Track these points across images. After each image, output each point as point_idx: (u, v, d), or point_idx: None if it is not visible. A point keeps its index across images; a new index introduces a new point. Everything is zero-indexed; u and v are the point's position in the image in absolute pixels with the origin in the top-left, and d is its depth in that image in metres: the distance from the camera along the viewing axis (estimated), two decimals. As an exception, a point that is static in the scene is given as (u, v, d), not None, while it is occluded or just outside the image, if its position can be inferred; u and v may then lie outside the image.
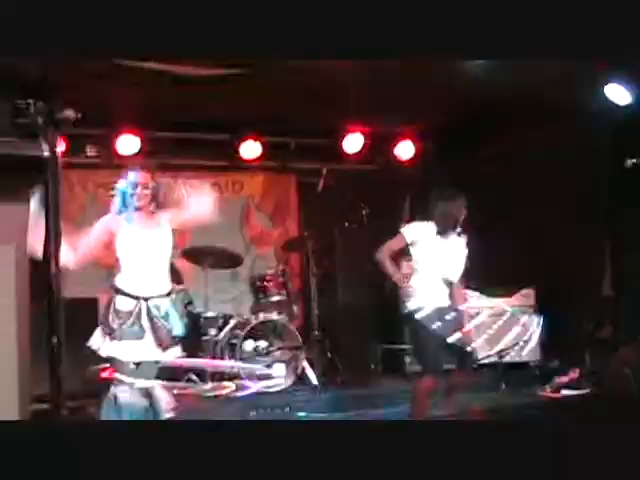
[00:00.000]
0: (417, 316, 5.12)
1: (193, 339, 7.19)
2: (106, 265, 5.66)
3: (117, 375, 4.38)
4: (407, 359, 7.74)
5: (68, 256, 4.12)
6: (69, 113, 2.26)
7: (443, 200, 5.27)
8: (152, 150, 7.87)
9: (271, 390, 7.13)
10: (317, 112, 7.40)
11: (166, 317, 4.52)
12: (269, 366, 7.29)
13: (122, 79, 6.12)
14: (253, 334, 7.32)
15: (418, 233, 5.23)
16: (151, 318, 4.46)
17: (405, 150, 8.84)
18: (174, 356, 4.61)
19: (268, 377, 7.25)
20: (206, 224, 4.61)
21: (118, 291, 4.48)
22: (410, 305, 5.17)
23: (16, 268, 2.32)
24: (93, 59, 4.06)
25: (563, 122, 7.06)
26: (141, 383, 4.39)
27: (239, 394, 5.73)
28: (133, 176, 4.54)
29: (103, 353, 4.45)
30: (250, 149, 8.37)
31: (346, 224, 8.38)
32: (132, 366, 4.38)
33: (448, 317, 5.16)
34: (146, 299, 4.48)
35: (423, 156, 8.86)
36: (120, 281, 4.52)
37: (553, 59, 3.40)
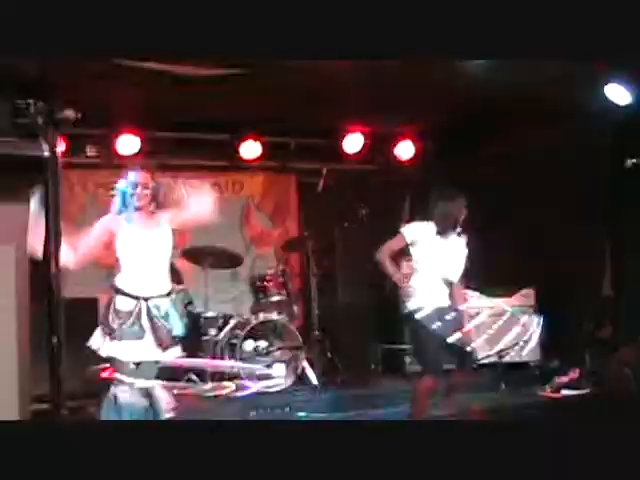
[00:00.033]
0: (417, 316, 5.12)
1: (193, 339, 7.19)
2: (106, 265, 5.66)
3: (117, 375, 4.38)
4: (407, 359, 7.74)
5: (68, 256, 4.12)
6: (69, 113, 2.26)
7: (443, 200, 5.27)
8: (152, 150, 7.87)
9: (271, 390, 7.13)
10: (317, 112, 7.40)
11: (166, 317, 4.52)
12: (269, 366, 7.29)
13: (122, 79, 6.11)
14: (253, 334, 7.32)
15: (418, 233, 5.23)
16: (151, 318, 4.45)
17: (405, 150, 8.84)
18: (174, 356, 4.61)
19: (268, 377, 7.26)
20: (206, 224, 4.61)
21: (118, 291, 4.48)
22: (410, 305, 5.17)
23: (16, 268, 2.32)
24: (93, 59, 4.06)
25: (563, 122, 7.05)
26: (141, 383, 4.39)
27: (239, 394, 5.73)
28: (133, 176, 4.54)
29: (103, 353, 4.45)
30: (250, 149, 8.37)
31: (346, 224, 8.38)
32: (132, 366, 4.38)
33: (448, 317, 5.15)
34: (146, 299, 4.48)
35: (423, 156, 8.86)
36: (120, 281, 4.51)
37: (553, 59, 3.40)
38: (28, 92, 2.29)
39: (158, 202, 4.64)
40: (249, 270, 8.50)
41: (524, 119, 7.25)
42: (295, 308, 7.85)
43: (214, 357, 7.30)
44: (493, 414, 5.77)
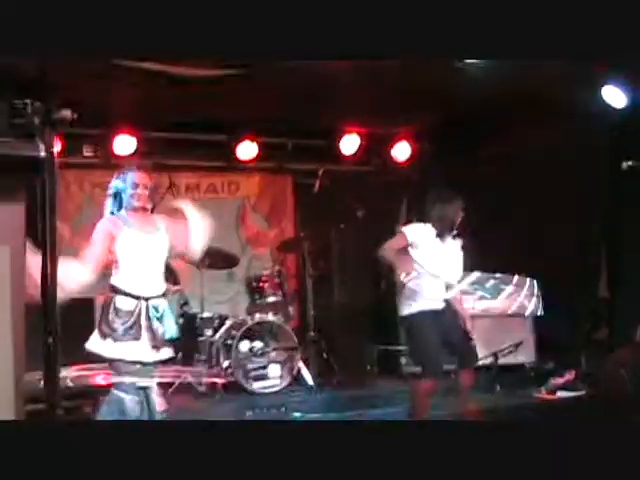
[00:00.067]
0: (416, 317, 5.12)
1: (189, 340, 7.21)
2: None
3: (114, 375, 4.37)
4: (403, 360, 7.74)
5: (83, 273, 4.21)
6: (66, 113, 2.26)
7: (440, 202, 5.26)
8: (149, 150, 7.87)
9: (267, 391, 7.15)
10: (314, 113, 7.41)
11: (162, 318, 4.52)
12: (265, 367, 7.30)
13: (119, 79, 6.11)
14: (249, 335, 7.33)
15: (418, 234, 5.21)
16: (149, 318, 4.45)
17: (401, 151, 8.85)
18: (167, 356, 4.60)
19: (264, 378, 7.27)
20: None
21: (118, 291, 4.46)
22: (409, 306, 5.16)
23: (11, 269, 2.31)
24: (91, 59, 4.04)
25: (563, 122, 7.05)
26: (137, 383, 4.38)
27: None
28: (133, 176, 4.53)
29: (104, 355, 4.43)
30: (247, 150, 8.37)
31: (342, 225, 8.39)
32: (130, 366, 4.37)
33: (447, 318, 5.16)
34: (146, 299, 4.48)
35: (420, 157, 8.87)
36: (119, 281, 4.50)
37: (553, 59, 3.39)
38: (25, 92, 2.29)
39: (154, 202, 4.66)
40: (245, 271, 8.51)
41: (524, 119, 7.26)
42: (291, 309, 7.86)
43: (210, 357, 7.31)
44: (488, 416, 5.76)
